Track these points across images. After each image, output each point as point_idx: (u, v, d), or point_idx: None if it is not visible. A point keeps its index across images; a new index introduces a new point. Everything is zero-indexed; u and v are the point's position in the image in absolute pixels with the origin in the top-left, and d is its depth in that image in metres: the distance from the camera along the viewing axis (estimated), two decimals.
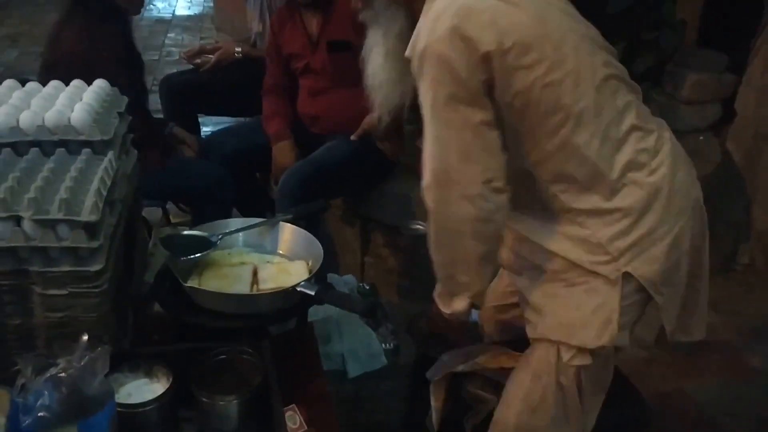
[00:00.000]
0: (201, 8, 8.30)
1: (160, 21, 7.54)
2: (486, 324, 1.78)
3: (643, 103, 1.39)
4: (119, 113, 1.47)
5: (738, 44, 3.23)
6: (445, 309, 1.41)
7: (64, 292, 1.17)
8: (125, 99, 1.53)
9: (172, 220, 2.97)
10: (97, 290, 1.18)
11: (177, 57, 5.74)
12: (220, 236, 1.59)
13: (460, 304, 1.39)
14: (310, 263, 1.57)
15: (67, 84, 1.50)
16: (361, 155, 2.55)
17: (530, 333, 1.47)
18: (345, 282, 2.54)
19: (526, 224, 1.44)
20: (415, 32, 1.27)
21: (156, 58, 5.99)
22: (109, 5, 2.26)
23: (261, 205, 2.81)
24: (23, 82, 1.49)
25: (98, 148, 1.33)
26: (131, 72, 2.34)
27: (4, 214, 1.14)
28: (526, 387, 1.45)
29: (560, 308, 1.39)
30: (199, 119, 3.18)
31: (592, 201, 1.32)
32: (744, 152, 3.01)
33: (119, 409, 1.10)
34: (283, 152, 2.61)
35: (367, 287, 2.60)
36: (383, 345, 2.33)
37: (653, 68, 3.06)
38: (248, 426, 1.22)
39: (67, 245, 1.15)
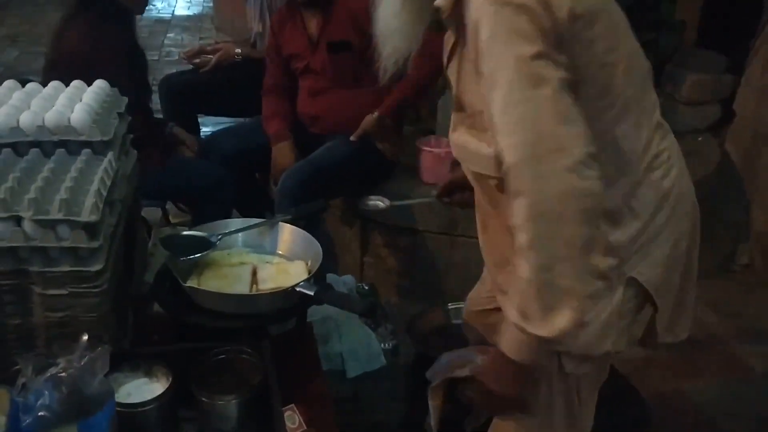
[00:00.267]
0: (200, 8, 8.31)
1: (160, 21, 7.54)
2: (468, 330, 1.75)
3: None
4: (119, 114, 1.47)
5: (737, 45, 3.23)
6: (542, 331, 1.10)
7: (64, 292, 1.18)
8: (125, 99, 1.53)
9: (172, 221, 2.98)
10: (97, 290, 1.19)
11: (176, 57, 5.74)
12: (219, 236, 1.59)
13: (562, 320, 1.08)
14: (309, 263, 1.57)
15: (71, 82, 1.50)
16: (360, 155, 2.55)
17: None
18: (344, 282, 2.54)
19: None
20: None
21: (155, 58, 5.99)
22: (113, 4, 2.26)
23: (260, 205, 2.81)
24: (23, 83, 1.49)
25: (98, 149, 1.34)
26: (135, 71, 2.34)
27: (4, 214, 1.14)
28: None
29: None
30: (199, 119, 3.18)
31: (614, 200, 1.23)
32: (743, 153, 3.02)
33: (119, 409, 1.10)
34: (282, 152, 2.61)
35: (367, 287, 2.60)
36: (382, 345, 2.33)
37: (652, 69, 3.06)
38: (247, 426, 1.22)
39: (67, 245, 1.15)
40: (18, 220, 1.15)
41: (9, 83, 1.47)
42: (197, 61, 3.02)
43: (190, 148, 2.66)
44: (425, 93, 2.72)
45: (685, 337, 1.44)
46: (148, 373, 1.23)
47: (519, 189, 1.08)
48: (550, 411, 1.42)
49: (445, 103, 2.82)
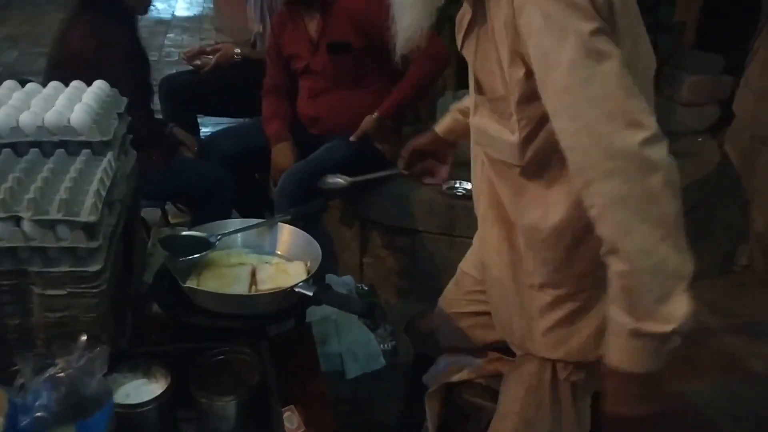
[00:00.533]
0: (200, 9, 8.32)
1: (160, 22, 7.55)
2: (441, 336, 1.75)
3: None
4: (119, 114, 1.47)
5: (736, 46, 3.24)
6: (665, 326, 1.02)
7: (63, 292, 1.18)
8: (125, 100, 1.53)
9: (171, 221, 2.98)
10: (95, 290, 1.19)
11: (176, 58, 5.75)
12: (218, 237, 1.59)
13: (681, 307, 1.01)
14: (308, 264, 1.57)
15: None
16: (360, 156, 2.56)
17: (516, 348, 1.45)
18: (343, 283, 2.54)
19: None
20: None
21: (155, 58, 6.00)
22: (117, 4, 2.26)
23: (260, 205, 2.81)
24: (23, 83, 1.49)
25: (98, 149, 1.34)
26: (138, 72, 2.35)
27: (3, 215, 1.14)
28: (521, 401, 1.43)
29: (548, 322, 1.34)
30: (199, 120, 3.18)
31: None
32: (741, 154, 3.02)
33: (117, 410, 1.10)
34: (282, 153, 2.61)
35: (366, 288, 2.61)
36: (381, 346, 2.34)
37: None
38: (246, 426, 1.22)
39: (66, 245, 1.15)
40: (17, 220, 1.15)
41: (9, 83, 1.47)
42: (197, 62, 3.02)
43: (190, 148, 2.66)
44: (425, 93, 2.72)
45: None
46: (147, 374, 1.23)
47: (590, 177, 1.02)
48: (544, 416, 1.42)
49: (445, 103, 2.82)
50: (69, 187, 1.19)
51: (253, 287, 1.51)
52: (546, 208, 1.24)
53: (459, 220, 2.67)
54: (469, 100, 1.38)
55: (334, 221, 2.94)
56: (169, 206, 2.96)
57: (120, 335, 1.36)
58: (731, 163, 3.08)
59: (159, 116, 2.87)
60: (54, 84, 1.49)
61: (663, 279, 1.01)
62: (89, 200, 1.18)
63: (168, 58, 6.14)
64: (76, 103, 1.37)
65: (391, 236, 2.84)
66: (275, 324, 1.56)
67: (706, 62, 3.37)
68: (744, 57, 3.05)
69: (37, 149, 1.31)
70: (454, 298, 1.69)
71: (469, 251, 1.68)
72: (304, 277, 1.50)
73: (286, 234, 1.66)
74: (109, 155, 1.33)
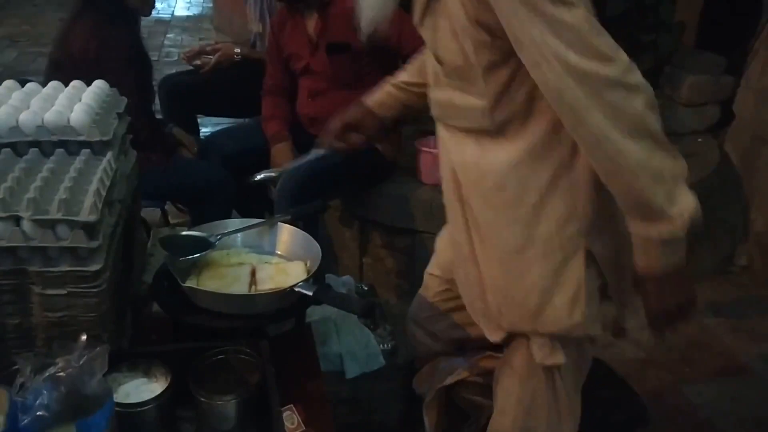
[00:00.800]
0: (200, 9, 8.32)
1: (160, 21, 7.54)
2: (417, 343, 1.76)
3: None
4: (118, 114, 1.47)
5: (736, 46, 3.24)
6: (680, 221, 1.15)
7: (63, 291, 1.18)
8: (124, 100, 1.54)
9: (171, 221, 2.98)
10: (95, 290, 1.19)
11: (176, 58, 5.75)
12: (218, 236, 1.59)
13: (687, 201, 1.15)
14: (308, 264, 1.57)
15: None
16: (359, 156, 2.55)
17: (492, 335, 1.45)
18: (343, 282, 2.55)
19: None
20: None
21: (155, 58, 5.99)
22: (120, 5, 2.26)
23: (259, 205, 2.81)
24: (23, 83, 1.49)
25: (97, 149, 1.34)
26: (139, 73, 2.35)
27: (3, 214, 1.14)
28: (516, 392, 1.44)
29: (520, 294, 1.35)
30: (199, 120, 3.18)
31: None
32: (742, 154, 3.02)
33: (117, 409, 1.10)
34: (281, 153, 2.61)
35: (366, 288, 2.61)
36: (381, 346, 2.34)
37: (651, 70, 3.08)
38: (246, 426, 1.22)
39: (66, 245, 1.15)
40: (17, 220, 1.15)
41: (8, 83, 1.47)
42: (197, 62, 3.02)
43: (189, 149, 2.66)
44: (424, 94, 2.72)
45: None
46: (147, 373, 1.23)
47: (581, 113, 1.12)
48: (541, 404, 1.43)
49: None
50: (69, 187, 1.19)
51: (253, 287, 1.51)
52: (509, 166, 1.29)
53: None
54: (428, 77, 1.41)
55: (334, 221, 2.94)
56: (169, 206, 2.96)
57: (120, 335, 1.36)
58: (731, 163, 3.08)
59: (159, 116, 2.87)
60: (54, 84, 1.49)
61: (664, 182, 1.14)
62: (89, 200, 1.18)
63: (168, 58, 6.14)
64: (75, 103, 1.37)
65: (391, 236, 2.84)
66: (275, 324, 1.56)
67: (706, 62, 3.37)
68: (744, 57, 3.05)
69: (36, 149, 1.31)
70: (425, 302, 1.70)
71: (432, 257, 1.71)
72: (304, 277, 1.50)
73: (286, 234, 1.66)
74: (109, 155, 1.33)
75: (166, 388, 1.20)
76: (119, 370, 1.21)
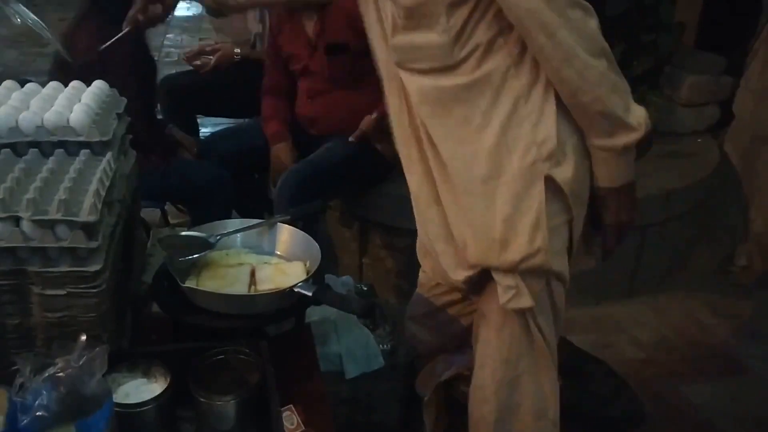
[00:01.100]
0: (200, 9, 8.29)
1: None
2: (416, 341, 1.78)
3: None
4: (118, 114, 1.47)
5: (736, 46, 3.24)
6: (640, 129, 1.32)
7: (62, 292, 1.18)
8: (124, 100, 1.54)
9: (171, 221, 2.98)
10: (95, 290, 1.19)
11: (176, 58, 5.75)
12: (218, 237, 1.59)
13: (640, 111, 1.34)
14: (307, 264, 1.57)
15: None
16: (359, 157, 2.56)
17: (457, 275, 1.47)
18: (343, 283, 2.54)
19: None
20: None
21: (155, 58, 5.99)
22: (126, 7, 2.26)
23: (259, 205, 2.81)
24: (23, 83, 1.49)
25: (97, 149, 1.34)
26: (144, 75, 2.35)
27: (3, 215, 1.14)
28: (493, 343, 1.47)
29: (486, 223, 1.39)
30: (198, 120, 3.18)
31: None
32: (741, 154, 3.02)
33: (117, 409, 1.10)
34: (281, 153, 2.61)
35: (365, 288, 2.61)
36: (381, 346, 2.34)
37: (651, 70, 3.07)
38: (246, 426, 1.22)
39: (65, 245, 1.15)
40: (17, 221, 1.15)
41: (8, 83, 1.47)
42: (197, 62, 3.02)
43: (189, 150, 2.66)
44: None
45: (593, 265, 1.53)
46: (147, 373, 1.23)
47: (549, 29, 1.23)
48: (518, 351, 1.46)
49: None
50: (68, 187, 1.19)
51: (253, 287, 1.51)
52: (471, 98, 1.35)
53: None
54: (383, 28, 1.44)
55: (334, 222, 2.94)
56: (168, 206, 2.96)
57: (120, 335, 1.36)
58: (731, 163, 3.08)
59: (159, 116, 2.87)
60: (53, 84, 1.49)
61: (621, 94, 1.30)
62: (88, 200, 1.18)
63: (168, 58, 6.14)
64: (75, 103, 1.37)
65: (391, 236, 2.84)
66: (275, 324, 1.56)
67: (706, 62, 3.37)
68: (744, 57, 3.05)
69: (36, 149, 1.31)
70: (421, 299, 1.73)
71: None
72: (303, 277, 1.51)
73: (286, 234, 1.66)
74: (109, 155, 1.33)
75: (165, 389, 1.20)
76: (119, 370, 1.21)
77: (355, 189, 2.76)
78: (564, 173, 1.35)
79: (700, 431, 2.27)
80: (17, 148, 1.30)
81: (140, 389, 1.21)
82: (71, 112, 1.33)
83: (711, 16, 3.60)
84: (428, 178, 1.47)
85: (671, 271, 3.04)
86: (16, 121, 1.30)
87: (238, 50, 3.01)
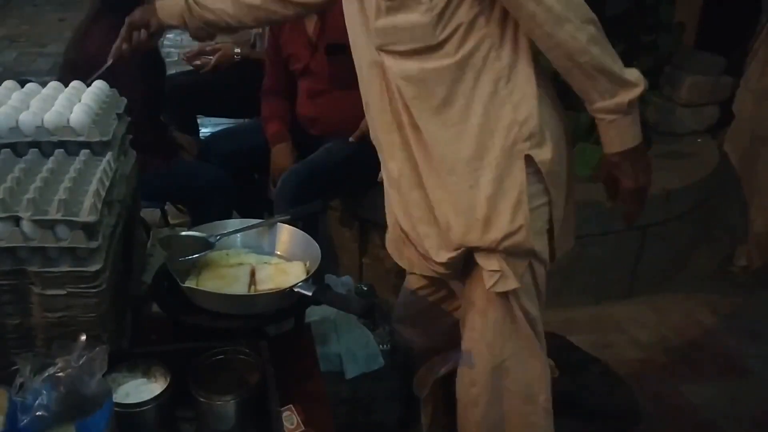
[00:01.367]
0: None
1: None
2: (411, 332, 1.79)
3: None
4: (118, 114, 1.47)
5: (736, 47, 3.24)
6: (636, 89, 1.34)
7: (62, 292, 1.18)
8: (124, 100, 1.54)
9: (171, 221, 2.98)
10: (95, 290, 1.19)
11: (176, 58, 5.73)
12: (218, 237, 1.59)
13: (635, 70, 1.36)
14: (307, 264, 1.57)
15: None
16: (359, 157, 2.55)
17: (440, 256, 1.48)
18: (343, 283, 2.54)
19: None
20: None
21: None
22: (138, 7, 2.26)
23: (259, 206, 2.81)
24: (23, 83, 1.49)
25: (97, 149, 1.34)
26: (152, 77, 2.35)
27: (3, 215, 1.15)
28: (479, 327, 1.49)
29: (470, 202, 1.40)
30: (198, 120, 3.18)
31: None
32: (741, 154, 3.02)
33: (117, 409, 1.10)
34: (281, 154, 2.61)
35: (365, 288, 2.61)
36: (380, 346, 2.34)
37: (651, 71, 3.07)
38: (246, 426, 1.22)
39: (65, 245, 1.16)
40: (17, 221, 1.15)
41: (8, 83, 1.47)
42: (197, 62, 3.02)
43: (189, 151, 2.66)
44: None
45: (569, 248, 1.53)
46: (147, 373, 1.23)
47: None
48: (504, 334, 1.48)
49: None
50: (68, 188, 1.20)
51: (253, 287, 1.51)
52: (452, 78, 1.37)
53: None
54: (365, 15, 1.43)
55: (334, 222, 2.94)
56: (168, 207, 2.96)
57: (120, 335, 1.36)
58: (731, 163, 3.08)
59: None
60: (53, 84, 1.49)
61: (613, 56, 1.32)
62: (88, 200, 1.19)
63: (168, 58, 6.12)
64: (75, 104, 1.37)
65: None
66: (274, 324, 1.56)
67: (706, 62, 3.37)
68: (744, 57, 3.05)
69: (36, 149, 1.31)
70: (410, 300, 1.75)
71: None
72: (303, 277, 1.51)
73: (286, 234, 1.67)
74: (109, 155, 1.33)
75: (165, 389, 1.20)
76: (119, 370, 1.22)
77: (355, 189, 2.76)
78: (543, 154, 1.38)
79: (700, 431, 2.27)
80: (17, 148, 1.31)
81: (140, 389, 1.21)
82: (71, 113, 1.33)
83: (711, 16, 3.60)
84: (410, 162, 1.47)
85: (671, 271, 3.04)
86: (16, 121, 1.30)
87: (238, 50, 3.01)
